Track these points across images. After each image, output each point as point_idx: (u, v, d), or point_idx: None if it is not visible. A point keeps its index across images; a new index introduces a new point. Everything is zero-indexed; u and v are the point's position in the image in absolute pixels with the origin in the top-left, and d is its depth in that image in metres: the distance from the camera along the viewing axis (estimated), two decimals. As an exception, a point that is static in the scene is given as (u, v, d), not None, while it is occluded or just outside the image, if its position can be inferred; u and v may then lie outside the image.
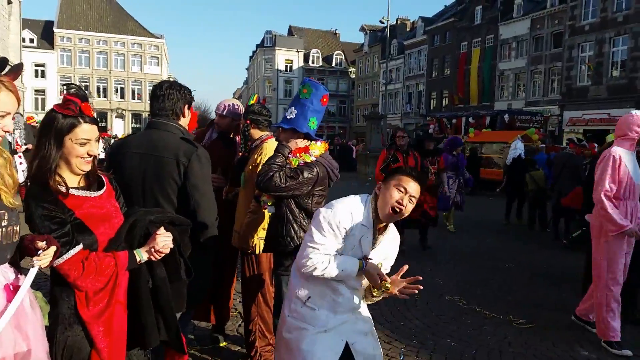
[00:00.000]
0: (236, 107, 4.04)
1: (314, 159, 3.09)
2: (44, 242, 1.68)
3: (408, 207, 2.40)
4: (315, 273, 2.35)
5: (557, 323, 5.01)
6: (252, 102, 3.84)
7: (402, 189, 2.38)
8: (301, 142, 3.10)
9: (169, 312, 2.11)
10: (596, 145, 13.28)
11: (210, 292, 3.62)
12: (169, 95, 2.72)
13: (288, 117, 3.14)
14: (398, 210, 2.38)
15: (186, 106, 2.80)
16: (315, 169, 3.05)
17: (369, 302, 2.61)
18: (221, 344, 4.19)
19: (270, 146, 3.72)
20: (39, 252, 1.66)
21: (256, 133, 3.76)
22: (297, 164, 3.07)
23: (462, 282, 6.41)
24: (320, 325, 2.39)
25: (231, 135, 4.10)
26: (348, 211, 2.38)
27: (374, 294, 2.47)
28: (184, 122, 2.82)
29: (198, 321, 4.44)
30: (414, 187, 2.40)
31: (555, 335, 4.71)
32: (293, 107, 3.15)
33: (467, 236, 9.66)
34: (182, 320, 2.72)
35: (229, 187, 3.87)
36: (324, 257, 2.35)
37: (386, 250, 2.53)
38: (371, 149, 23.73)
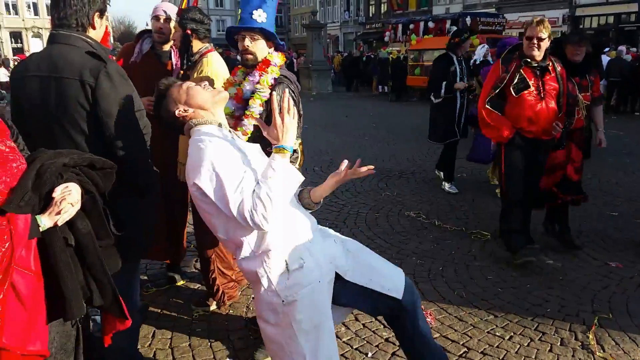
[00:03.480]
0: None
1: (279, 70, 2.74)
2: None
3: None
4: (266, 217, 1.82)
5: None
6: (184, 6, 3.32)
7: None
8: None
9: (101, 273, 1.75)
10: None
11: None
12: (71, 0, 2.13)
13: (259, 22, 2.67)
14: None
15: (97, 14, 2.21)
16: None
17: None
18: (178, 283, 3.92)
19: (211, 61, 3.26)
20: None
21: (196, 44, 3.28)
22: (269, 83, 2.70)
23: (417, 196, 6.35)
24: (315, 277, 2.03)
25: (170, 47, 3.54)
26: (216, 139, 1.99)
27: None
28: (95, 33, 2.23)
29: (150, 260, 4.11)
30: None
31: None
32: (261, 9, 2.65)
33: (410, 146, 9.54)
34: (127, 275, 2.26)
35: None
36: (251, 193, 1.84)
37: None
38: (314, 62, 22.93)
